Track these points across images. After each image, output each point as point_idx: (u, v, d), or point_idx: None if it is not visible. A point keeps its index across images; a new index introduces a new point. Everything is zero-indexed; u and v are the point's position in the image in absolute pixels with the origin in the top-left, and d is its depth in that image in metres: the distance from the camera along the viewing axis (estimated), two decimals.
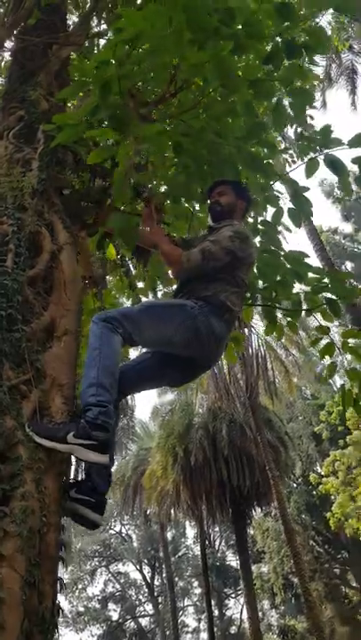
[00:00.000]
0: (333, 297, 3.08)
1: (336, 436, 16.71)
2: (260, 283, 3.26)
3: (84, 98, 3.58)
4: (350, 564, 18.52)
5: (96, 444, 1.79)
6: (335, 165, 2.98)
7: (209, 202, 3.01)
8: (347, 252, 21.48)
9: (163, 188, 3.51)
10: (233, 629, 27.44)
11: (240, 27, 2.37)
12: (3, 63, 5.15)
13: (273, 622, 24.40)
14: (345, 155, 3.00)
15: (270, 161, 2.98)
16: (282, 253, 3.20)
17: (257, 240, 3.27)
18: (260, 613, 17.63)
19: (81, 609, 28.15)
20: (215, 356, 2.34)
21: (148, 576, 28.72)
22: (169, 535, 26.90)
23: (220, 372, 13.54)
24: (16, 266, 2.15)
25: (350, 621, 17.98)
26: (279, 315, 3.43)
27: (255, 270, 3.13)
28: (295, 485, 19.95)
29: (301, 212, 3.21)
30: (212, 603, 20.52)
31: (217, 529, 25.37)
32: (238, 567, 18.81)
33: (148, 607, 29.33)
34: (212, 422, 14.63)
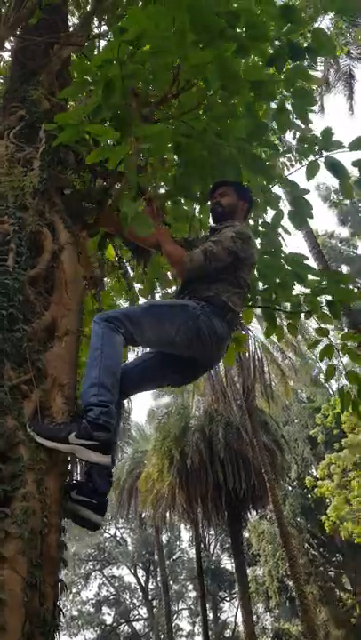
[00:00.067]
0: (332, 299, 3.08)
1: (332, 440, 16.77)
2: (260, 284, 3.26)
3: (85, 98, 3.59)
4: (345, 567, 18.52)
5: (98, 445, 1.78)
6: (336, 168, 2.99)
7: (210, 203, 3.02)
8: (343, 255, 21.56)
9: (162, 190, 3.51)
10: (227, 633, 27.37)
11: (243, 28, 2.37)
12: (2, 63, 5.15)
13: (267, 626, 24.36)
14: (344, 158, 3.00)
15: (271, 163, 2.97)
16: (282, 255, 3.20)
17: (257, 242, 3.27)
18: (254, 617, 17.60)
19: (75, 613, 28.03)
20: (217, 356, 2.33)
21: (142, 579, 28.63)
22: (164, 538, 26.83)
23: (216, 375, 13.54)
24: (17, 265, 2.13)
25: (345, 624, 17.98)
26: (279, 317, 3.42)
27: (255, 272, 3.13)
28: (290, 488, 19.96)
29: (302, 214, 3.22)
30: (207, 606, 20.45)
31: (212, 532, 25.33)
32: (233, 570, 18.79)
33: (143, 611, 29.25)
34: (208, 425, 14.62)
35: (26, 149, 2.75)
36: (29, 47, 3.46)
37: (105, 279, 4.82)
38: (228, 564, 27.54)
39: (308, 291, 3.32)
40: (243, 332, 12.53)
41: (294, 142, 3.38)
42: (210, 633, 20.17)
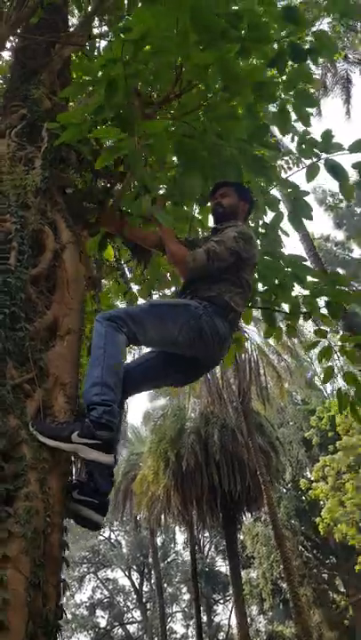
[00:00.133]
0: (331, 300, 3.09)
1: (326, 442, 16.79)
2: (260, 285, 3.26)
3: (84, 98, 3.58)
4: (338, 569, 18.55)
5: (101, 444, 1.77)
6: (336, 170, 3.00)
7: (210, 204, 3.02)
8: (338, 259, 21.64)
9: (160, 191, 3.51)
10: (221, 635, 27.31)
11: (245, 29, 2.38)
12: (2, 62, 5.13)
13: (261, 628, 24.35)
14: (343, 161, 3.01)
15: (272, 164, 2.98)
16: (281, 257, 3.21)
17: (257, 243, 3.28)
18: (248, 619, 17.58)
19: (68, 616, 27.91)
20: (219, 356, 2.33)
21: (136, 582, 28.56)
22: (158, 541, 26.79)
23: (212, 377, 13.54)
24: (19, 264, 2.12)
25: (338, 626, 18.00)
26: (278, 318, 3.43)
27: (255, 273, 3.13)
28: (285, 491, 19.97)
29: (302, 216, 3.22)
30: (201, 609, 20.42)
31: (207, 534, 25.30)
32: (227, 573, 18.77)
33: (137, 614, 29.16)
34: (204, 427, 14.62)
35: (27, 148, 2.74)
36: (30, 46, 3.46)
37: (102, 280, 4.82)
38: (222, 566, 27.52)
39: (306, 292, 3.33)
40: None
41: (292, 145, 3.39)
42: (204, 636, 20.15)
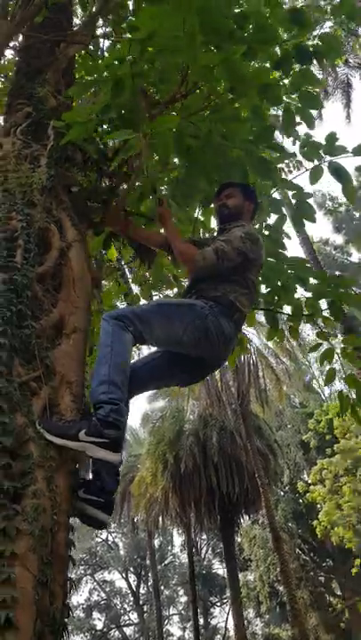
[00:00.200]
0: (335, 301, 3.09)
1: (324, 445, 16.80)
2: (263, 287, 3.27)
3: (88, 98, 3.59)
4: (335, 572, 18.53)
5: (108, 442, 1.77)
6: (339, 173, 3.00)
7: (214, 205, 3.02)
8: (337, 262, 21.67)
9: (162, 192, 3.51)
10: (218, 638, 27.27)
11: (251, 31, 2.38)
12: (3, 61, 5.13)
13: (258, 631, 24.32)
14: (346, 164, 3.03)
15: (276, 166, 2.99)
16: (285, 259, 3.21)
17: None
18: (245, 622, 17.54)
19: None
20: (224, 356, 2.33)
21: (133, 584, 28.49)
22: (156, 543, 26.73)
23: (211, 379, 13.54)
24: (25, 262, 2.12)
25: (334, 629, 17.99)
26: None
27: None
28: (282, 493, 19.95)
29: (304, 218, 3.23)
30: (198, 611, 20.37)
31: (204, 537, 25.27)
32: (224, 575, 18.72)
33: (133, 616, 29.09)
34: (202, 429, 14.61)
35: (33, 146, 2.74)
36: (35, 45, 3.46)
37: (102, 281, 4.81)
38: (219, 569, 27.49)
39: (309, 294, 3.33)
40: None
41: (292, 148, 3.40)
42: (201, 638, 20.09)
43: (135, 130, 2.68)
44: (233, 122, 2.79)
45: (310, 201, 3.24)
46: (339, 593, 18.84)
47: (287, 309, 3.43)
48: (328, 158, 2.95)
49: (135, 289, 5.05)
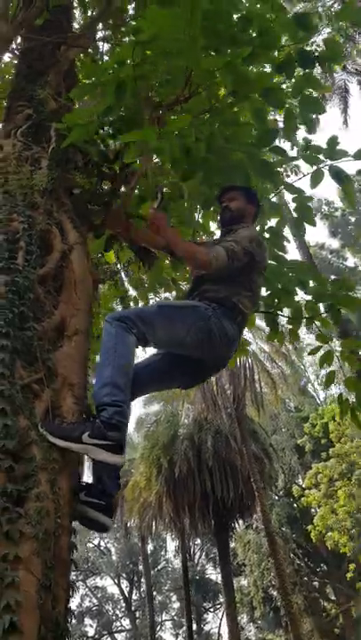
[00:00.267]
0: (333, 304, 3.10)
1: (319, 449, 16.81)
2: (263, 290, 3.27)
3: (87, 101, 3.58)
4: (329, 577, 18.51)
5: (111, 445, 1.76)
6: (340, 177, 3.01)
7: (213, 207, 3.02)
8: (333, 267, 21.78)
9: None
10: None
11: (255, 35, 2.39)
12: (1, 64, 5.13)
13: (251, 637, 24.22)
14: (346, 168, 3.04)
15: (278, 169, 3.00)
16: (285, 262, 3.22)
17: None
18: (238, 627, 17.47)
19: None
20: (226, 358, 2.32)
21: (126, 590, 28.32)
22: (148, 548, 26.61)
23: (207, 383, 13.52)
24: (27, 263, 2.11)
25: (328, 635, 17.95)
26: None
27: None
28: (277, 498, 19.93)
29: (305, 221, 3.23)
30: (191, 617, 20.26)
31: (198, 542, 25.18)
32: (218, 581, 18.65)
33: (125, 622, 28.93)
34: (197, 433, 14.57)
35: (33, 148, 2.73)
36: (36, 47, 3.46)
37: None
38: (212, 574, 27.39)
39: (309, 297, 3.33)
40: None
41: (291, 153, 3.41)
42: None
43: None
44: (232, 125, 2.80)
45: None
46: (333, 598, 18.82)
47: (286, 312, 3.44)
48: (329, 162, 2.95)
49: (132, 292, 5.06)
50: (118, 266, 5.40)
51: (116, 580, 28.51)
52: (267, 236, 3.30)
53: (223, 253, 2.24)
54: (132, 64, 2.24)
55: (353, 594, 16.21)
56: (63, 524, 1.61)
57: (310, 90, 2.61)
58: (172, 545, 29.33)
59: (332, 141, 2.95)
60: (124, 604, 28.60)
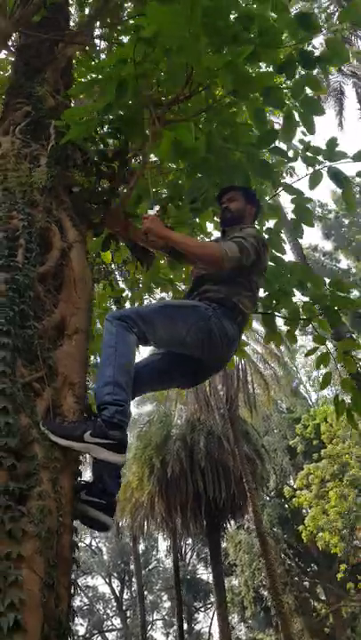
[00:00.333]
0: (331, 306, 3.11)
1: (310, 450, 16.85)
2: (261, 291, 3.27)
3: (84, 99, 3.57)
4: (320, 577, 18.57)
5: (113, 444, 1.75)
6: (339, 178, 3.03)
7: (211, 208, 3.01)
8: (326, 269, 21.87)
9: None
10: None
11: (256, 34, 2.39)
12: None
13: (242, 636, 24.26)
14: (345, 169, 3.06)
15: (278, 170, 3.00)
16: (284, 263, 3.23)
17: None
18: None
19: None
20: (227, 358, 2.33)
21: (117, 590, 28.27)
22: (140, 548, 26.58)
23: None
24: (27, 261, 2.10)
25: (318, 634, 18.01)
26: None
27: None
28: (268, 498, 19.97)
29: (303, 222, 3.25)
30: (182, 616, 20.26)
31: (189, 541, 25.18)
32: (209, 580, 18.65)
33: (117, 621, 28.87)
34: (190, 434, 14.57)
35: (32, 145, 2.72)
36: (34, 44, 3.45)
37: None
38: (204, 574, 27.40)
39: (306, 299, 3.34)
40: None
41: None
42: None
43: (137, 130, 2.69)
44: (230, 125, 2.80)
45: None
46: (323, 598, 18.89)
47: (283, 313, 3.45)
48: (328, 164, 2.97)
49: (127, 292, 5.05)
50: (113, 266, 5.39)
51: (107, 580, 28.46)
52: (266, 237, 3.31)
53: (235, 248, 2.22)
54: (134, 62, 2.24)
55: (343, 594, 16.28)
56: (65, 522, 1.60)
57: (311, 91, 2.61)
58: (163, 545, 29.36)
59: (332, 143, 2.97)
60: (115, 604, 28.55)
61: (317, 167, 3.07)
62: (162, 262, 3.78)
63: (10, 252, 2.09)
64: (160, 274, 3.98)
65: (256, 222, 2.92)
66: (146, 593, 26.91)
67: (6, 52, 4.26)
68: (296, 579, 18.69)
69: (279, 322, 3.55)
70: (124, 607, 27.81)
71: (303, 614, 18.19)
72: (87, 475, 2.00)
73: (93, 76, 3.41)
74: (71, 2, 4.52)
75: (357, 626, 16.88)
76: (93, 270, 4.44)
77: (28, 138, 2.80)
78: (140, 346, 2.21)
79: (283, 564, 18.21)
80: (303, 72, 2.58)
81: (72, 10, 5.08)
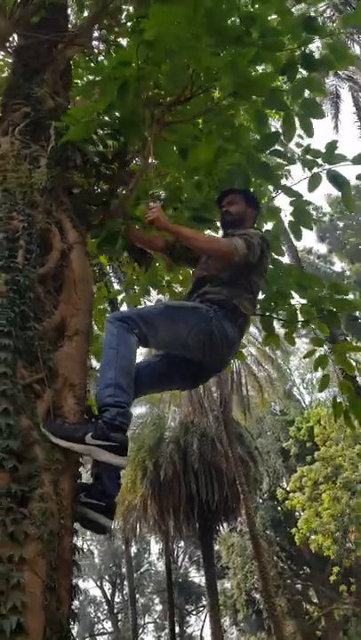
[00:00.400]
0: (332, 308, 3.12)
1: (304, 452, 16.88)
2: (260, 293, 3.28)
3: (81, 100, 3.57)
4: (312, 580, 18.59)
5: (115, 446, 1.74)
6: (338, 181, 3.04)
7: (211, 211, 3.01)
8: (320, 272, 21.95)
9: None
10: None
11: (258, 35, 2.40)
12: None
13: (233, 639, 24.24)
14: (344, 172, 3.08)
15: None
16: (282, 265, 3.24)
17: None
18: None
19: None
20: (227, 360, 2.32)
21: (108, 593, 28.15)
22: (132, 551, 26.49)
23: None
24: (27, 262, 2.09)
25: (310, 637, 18.03)
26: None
27: None
28: (261, 501, 19.97)
29: (302, 225, 3.25)
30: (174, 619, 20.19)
31: (181, 544, 25.13)
32: (201, 583, 18.61)
33: (108, 625, 28.74)
34: (183, 436, 14.55)
35: (32, 146, 2.71)
36: (32, 45, 3.44)
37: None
38: (196, 577, 27.36)
39: (303, 301, 3.35)
40: None
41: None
42: None
43: (136, 132, 2.69)
44: (230, 127, 2.80)
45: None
46: (316, 601, 18.91)
47: (281, 315, 3.45)
48: (327, 166, 2.98)
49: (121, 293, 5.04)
50: (108, 267, 5.38)
51: (98, 583, 28.34)
52: None
53: (243, 244, 2.22)
54: (136, 64, 2.24)
55: (335, 597, 16.31)
56: (66, 524, 1.59)
57: (312, 93, 2.62)
58: (155, 547, 29.26)
59: (331, 146, 2.98)
60: (106, 607, 28.44)
61: (316, 170, 3.08)
62: (157, 265, 3.78)
63: (10, 252, 2.08)
64: (157, 276, 3.98)
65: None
66: (137, 596, 26.82)
67: (4, 54, 4.26)
68: (289, 581, 18.69)
69: (275, 324, 3.56)
70: (115, 610, 27.70)
71: (295, 617, 18.21)
72: (86, 476, 1.99)
73: (90, 77, 3.41)
74: (70, 3, 4.52)
75: (350, 629, 16.91)
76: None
77: (27, 139, 2.79)
78: (144, 347, 2.20)
79: (275, 566, 18.21)
80: (304, 74, 2.59)
81: (70, 11, 5.09)
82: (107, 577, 28.47)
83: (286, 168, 4.59)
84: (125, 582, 25.11)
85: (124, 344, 1.98)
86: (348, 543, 13.62)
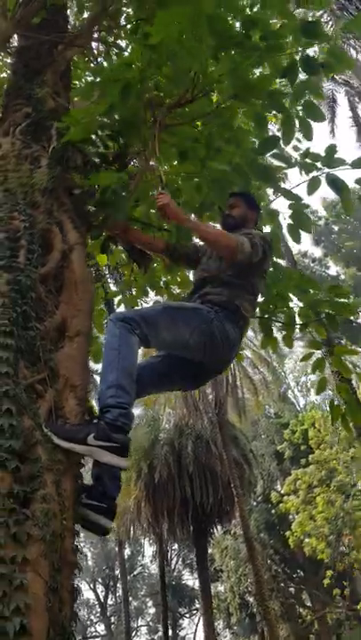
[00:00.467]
0: (331, 312, 3.13)
1: (298, 455, 16.90)
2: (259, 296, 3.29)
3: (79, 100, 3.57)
4: (306, 583, 18.60)
5: (116, 447, 1.74)
6: (336, 184, 3.05)
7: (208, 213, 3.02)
8: (315, 275, 22.00)
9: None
10: None
11: (259, 38, 2.41)
12: None
13: None
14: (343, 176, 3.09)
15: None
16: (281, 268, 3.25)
17: None
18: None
19: None
20: (228, 361, 2.33)
21: (101, 595, 28.05)
22: (125, 553, 26.41)
23: None
24: (29, 262, 2.08)
25: None
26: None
27: None
28: (255, 504, 19.97)
29: (301, 228, 3.26)
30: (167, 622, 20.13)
31: (175, 547, 25.08)
32: (195, 586, 18.57)
33: (100, 628, 28.64)
34: (178, 438, 14.54)
35: (33, 147, 2.71)
36: (33, 46, 3.44)
37: None
38: (189, 579, 27.31)
39: (301, 304, 3.36)
40: None
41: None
42: None
43: (136, 133, 2.69)
44: (230, 129, 2.81)
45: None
46: (309, 604, 18.91)
47: (280, 318, 3.46)
48: (325, 170, 2.99)
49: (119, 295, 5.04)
50: (105, 269, 5.38)
51: (91, 585, 28.23)
52: None
53: (248, 242, 2.22)
54: (139, 67, 2.24)
55: (329, 600, 16.30)
56: (68, 525, 1.59)
57: (312, 96, 2.63)
58: (149, 550, 29.19)
59: (331, 150, 2.99)
60: (99, 610, 28.33)
61: (315, 173, 3.09)
62: (155, 266, 3.78)
63: (12, 252, 2.08)
64: (155, 277, 3.98)
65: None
66: (131, 599, 26.73)
67: (3, 54, 4.26)
68: (282, 585, 18.69)
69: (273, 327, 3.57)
70: (108, 613, 27.62)
71: (289, 620, 18.20)
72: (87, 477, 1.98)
73: (90, 78, 3.41)
74: (70, 4, 4.53)
75: (343, 632, 16.91)
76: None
77: (28, 139, 2.78)
78: (145, 348, 2.20)
79: (269, 569, 18.21)
80: (304, 77, 2.60)
81: (70, 13, 5.09)
82: (100, 579, 28.38)
83: (284, 171, 4.62)
84: (118, 585, 25.05)
85: (125, 345, 1.98)
86: (342, 546, 13.63)
